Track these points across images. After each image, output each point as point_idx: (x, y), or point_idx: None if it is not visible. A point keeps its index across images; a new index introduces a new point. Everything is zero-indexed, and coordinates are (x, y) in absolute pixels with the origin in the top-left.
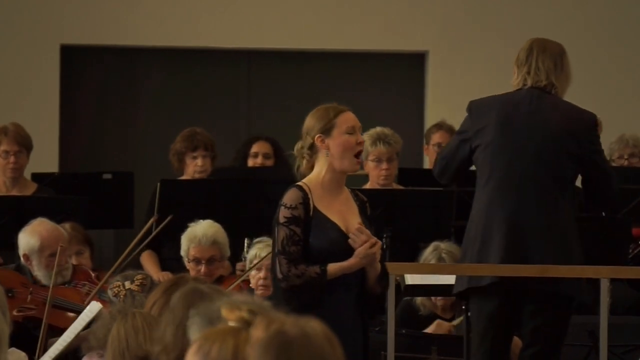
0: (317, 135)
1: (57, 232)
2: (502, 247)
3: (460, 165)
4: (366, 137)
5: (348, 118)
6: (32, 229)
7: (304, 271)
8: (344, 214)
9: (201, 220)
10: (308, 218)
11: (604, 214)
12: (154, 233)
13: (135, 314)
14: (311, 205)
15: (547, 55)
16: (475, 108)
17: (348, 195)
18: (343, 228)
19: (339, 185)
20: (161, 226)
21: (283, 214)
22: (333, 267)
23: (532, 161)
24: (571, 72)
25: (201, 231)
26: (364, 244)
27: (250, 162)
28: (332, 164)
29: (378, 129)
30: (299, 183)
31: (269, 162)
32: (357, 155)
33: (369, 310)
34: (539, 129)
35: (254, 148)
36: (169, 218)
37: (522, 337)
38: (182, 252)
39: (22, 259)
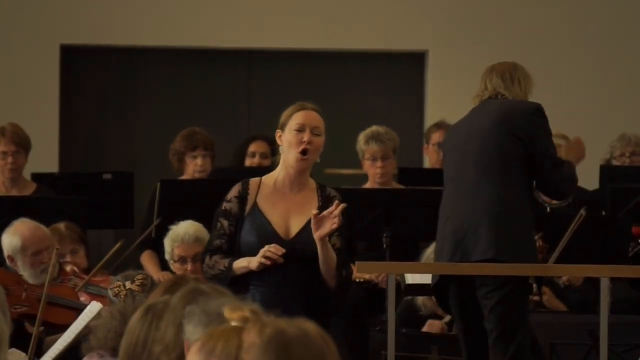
0: (277, 131)
1: (39, 231)
2: (449, 247)
3: None
4: (360, 136)
5: (302, 115)
6: (13, 230)
7: (215, 263)
8: (291, 214)
9: (181, 222)
10: (242, 212)
11: (554, 201)
12: (143, 234)
13: (159, 325)
14: (250, 201)
15: (494, 74)
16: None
17: (309, 196)
18: (280, 229)
19: (294, 184)
20: (148, 231)
21: (221, 206)
22: (238, 263)
23: (474, 154)
24: (529, 79)
25: (183, 230)
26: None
27: (248, 162)
28: (285, 161)
29: (373, 127)
30: (253, 178)
31: (267, 162)
32: (303, 152)
33: (320, 306)
34: (478, 123)
35: (252, 147)
36: (155, 222)
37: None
38: (167, 256)
39: (7, 261)
